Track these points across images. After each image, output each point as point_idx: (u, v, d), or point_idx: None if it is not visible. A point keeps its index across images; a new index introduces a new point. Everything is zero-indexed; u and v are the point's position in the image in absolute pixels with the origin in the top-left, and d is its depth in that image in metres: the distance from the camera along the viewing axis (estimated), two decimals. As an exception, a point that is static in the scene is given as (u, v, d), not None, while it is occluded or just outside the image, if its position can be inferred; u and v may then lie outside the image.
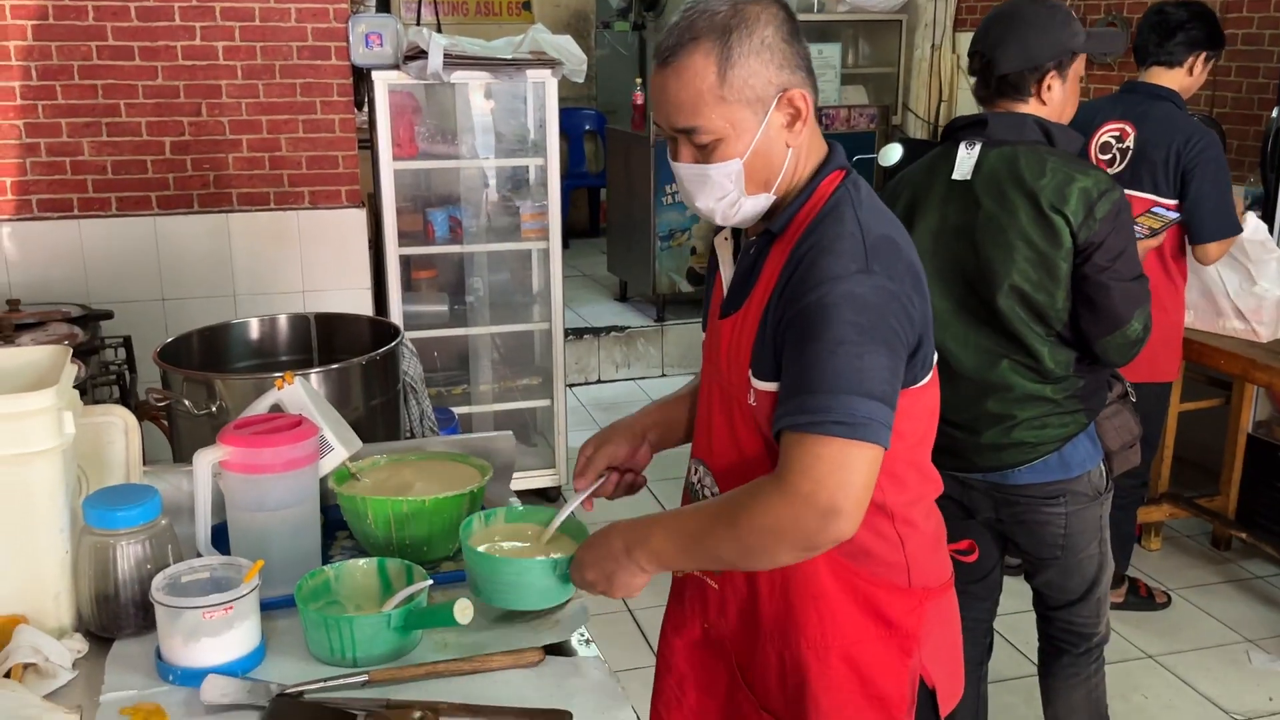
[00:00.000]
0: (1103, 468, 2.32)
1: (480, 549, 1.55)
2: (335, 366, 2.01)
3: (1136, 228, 2.56)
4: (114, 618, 1.53)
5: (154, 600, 1.44)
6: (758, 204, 1.48)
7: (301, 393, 1.77)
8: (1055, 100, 2.29)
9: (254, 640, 1.47)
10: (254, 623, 1.48)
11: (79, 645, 1.50)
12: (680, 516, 1.46)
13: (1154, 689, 3.16)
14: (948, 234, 2.29)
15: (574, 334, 5.76)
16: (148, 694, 1.41)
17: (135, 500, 1.54)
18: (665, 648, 1.75)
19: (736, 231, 1.60)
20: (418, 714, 1.33)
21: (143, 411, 2.31)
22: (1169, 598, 3.59)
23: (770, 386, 1.44)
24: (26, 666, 1.41)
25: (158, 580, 1.46)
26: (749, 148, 1.44)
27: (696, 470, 1.63)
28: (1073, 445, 2.26)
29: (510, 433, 1.98)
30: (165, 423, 2.37)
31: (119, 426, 1.82)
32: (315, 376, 1.93)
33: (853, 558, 1.51)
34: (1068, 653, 2.49)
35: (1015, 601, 2.89)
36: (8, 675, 1.39)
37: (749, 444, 1.51)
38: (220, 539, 1.68)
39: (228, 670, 1.42)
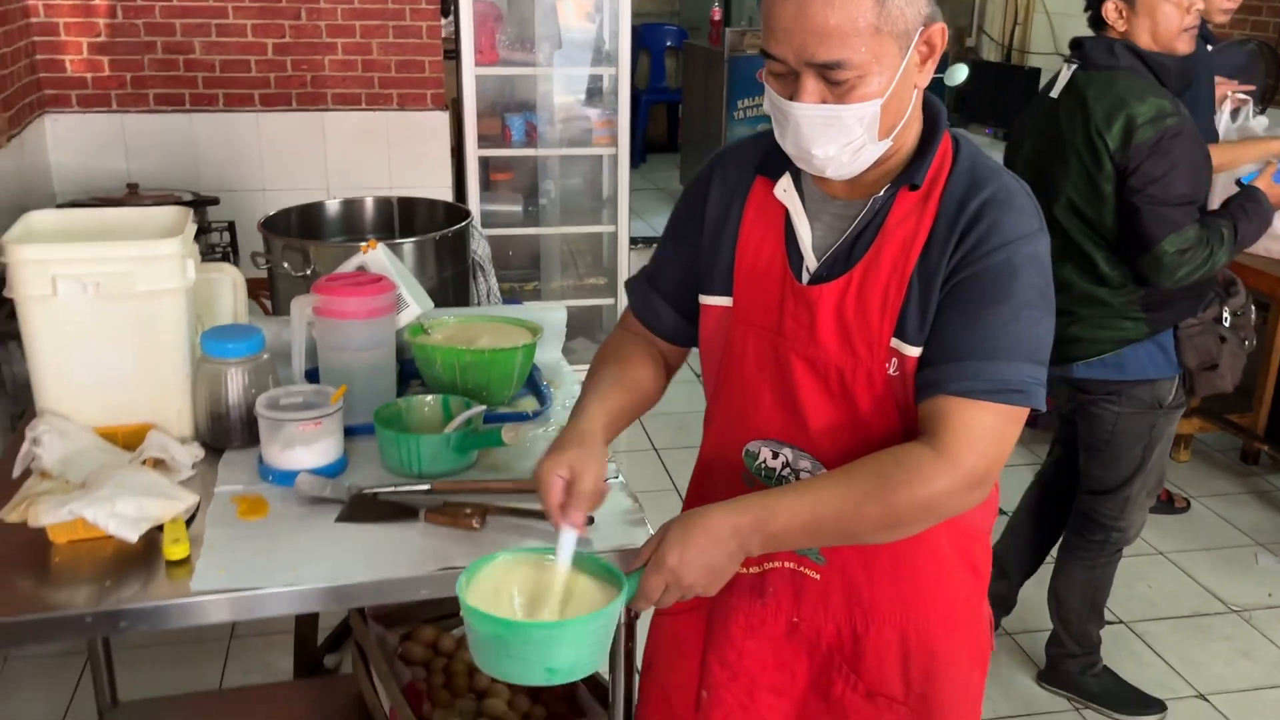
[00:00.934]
0: (1176, 382, 2.49)
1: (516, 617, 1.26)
2: (413, 240, 2.30)
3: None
4: (224, 432, 1.85)
5: (259, 415, 1.75)
6: (877, 152, 1.31)
7: (383, 257, 2.06)
8: (1133, 27, 2.39)
9: (338, 452, 1.79)
10: (338, 438, 1.79)
11: (197, 452, 1.82)
12: (808, 494, 1.29)
13: (1158, 581, 3.38)
14: (1037, 143, 2.50)
15: (640, 241, 6.01)
16: (252, 489, 1.73)
17: (243, 336, 1.86)
18: (728, 653, 1.53)
19: (796, 182, 1.41)
20: (469, 510, 1.63)
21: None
22: (1188, 504, 3.78)
23: (917, 351, 1.31)
24: (157, 462, 1.74)
25: (261, 399, 1.77)
26: (889, 88, 1.26)
27: (779, 455, 1.44)
28: (1132, 350, 2.46)
29: (563, 304, 2.25)
30: (267, 296, 2.69)
31: (228, 282, 2.15)
32: (395, 245, 2.22)
33: (964, 515, 1.38)
34: (1084, 536, 2.72)
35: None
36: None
37: (878, 421, 1.36)
38: (312, 380, 1.99)
39: (316, 473, 1.73)
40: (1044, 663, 2.90)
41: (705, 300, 1.49)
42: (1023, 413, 1.28)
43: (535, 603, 1.28)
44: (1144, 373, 2.48)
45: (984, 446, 1.26)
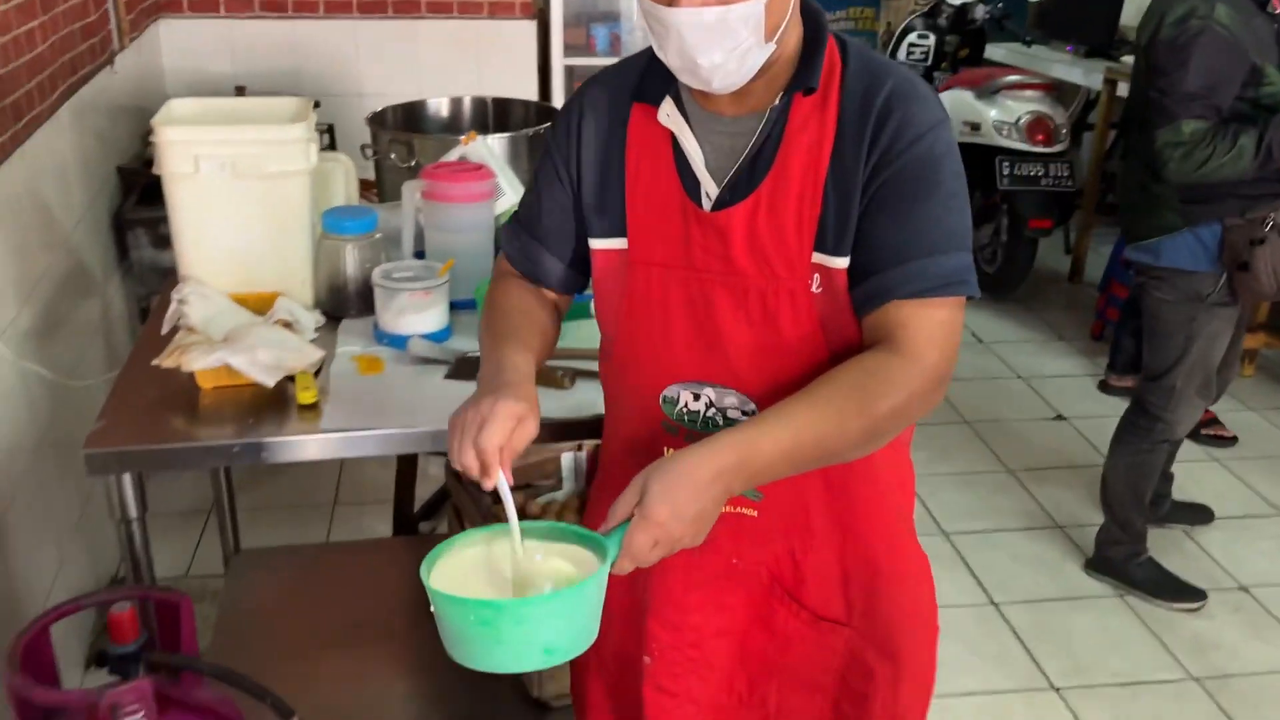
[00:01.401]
0: (1220, 279, 2.62)
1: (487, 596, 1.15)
2: (507, 135, 2.48)
3: None
4: (342, 301, 2.07)
5: (375, 284, 1.96)
6: (763, 56, 1.23)
7: (483, 148, 2.25)
8: None
9: (444, 321, 1.99)
10: (444, 308, 1.99)
11: (318, 318, 2.04)
12: (788, 421, 1.20)
13: (1209, 481, 3.50)
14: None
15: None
16: (368, 350, 1.95)
17: (359, 216, 2.07)
18: (669, 613, 1.46)
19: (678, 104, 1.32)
20: (560, 372, 1.83)
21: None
22: (1235, 438, 3.78)
23: (843, 263, 1.26)
24: (285, 324, 1.96)
25: (377, 271, 1.98)
26: None
27: (701, 395, 1.35)
28: (1170, 240, 2.62)
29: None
30: (371, 191, 2.89)
31: (340, 170, 2.35)
32: (493, 139, 2.40)
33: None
34: (1133, 421, 2.88)
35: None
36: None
37: (803, 344, 1.29)
38: (419, 259, 2.20)
39: (426, 338, 1.94)
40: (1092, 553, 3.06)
41: (596, 245, 1.38)
42: (964, 301, 1.26)
43: (506, 583, 1.17)
44: (1178, 262, 2.63)
45: (944, 343, 1.24)
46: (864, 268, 1.25)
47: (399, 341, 1.94)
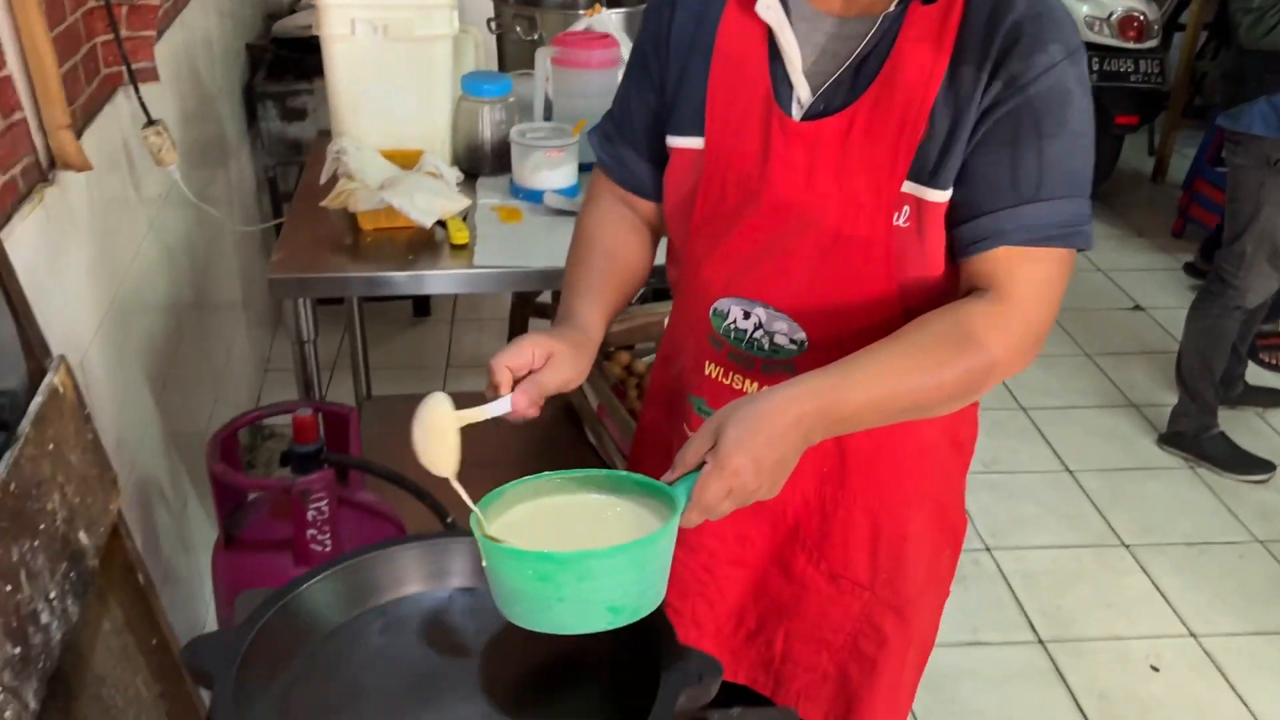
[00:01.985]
0: None
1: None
2: (625, 10, 2.63)
3: None
4: (479, 160, 2.25)
5: (513, 142, 2.13)
6: None
7: (608, 19, 2.40)
8: None
9: (574, 178, 2.17)
10: (575, 166, 2.16)
11: (459, 174, 2.23)
12: (879, 368, 1.09)
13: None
14: None
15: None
16: (506, 203, 2.14)
17: (496, 81, 2.24)
18: (685, 533, 1.24)
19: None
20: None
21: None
22: None
23: (943, 196, 1.13)
24: (433, 176, 2.15)
25: (514, 130, 2.15)
26: None
27: (751, 315, 1.26)
28: (1249, 106, 2.77)
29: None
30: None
31: (470, 41, 2.51)
32: (612, 13, 2.55)
33: None
34: (1207, 289, 3.06)
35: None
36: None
37: (872, 281, 1.18)
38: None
39: (558, 192, 2.12)
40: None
41: (673, 142, 1.28)
42: (1075, 255, 1.14)
43: (566, 535, 1.00)
44: (1253, 128, 2.78)
45: (1051, 298, 1.12)
46: (971, 205, 1.12)
47: (534, 195, 2.12)
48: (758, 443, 1.01)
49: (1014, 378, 3.49)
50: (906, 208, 1.13)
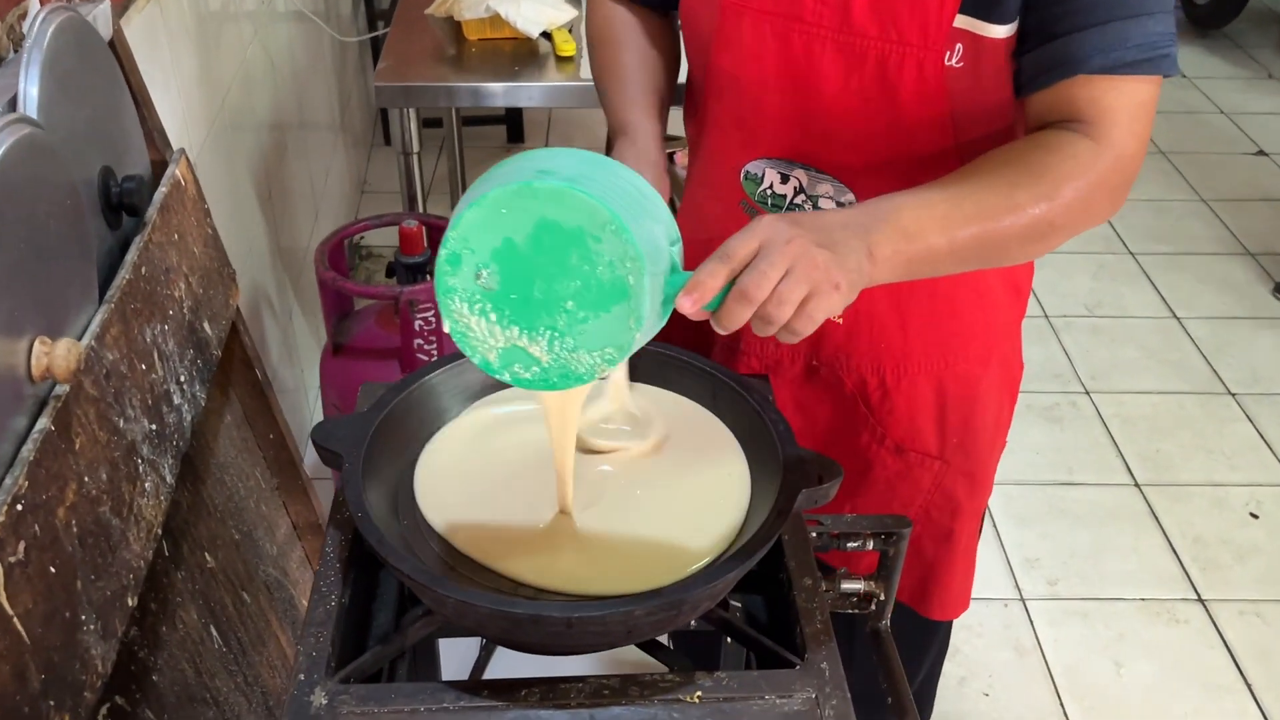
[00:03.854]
0: None
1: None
2: None
3: None
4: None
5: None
6: None
7: None
8: None
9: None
10: None
11: None
12: (939, 184, 0.95)
13: None
14: None
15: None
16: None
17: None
18: None
19: None
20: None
21: None
22: None
23: (1005, 32, 0.99)
24: (536, -12, 2.08)
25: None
26: None
27: (790, 178, 1.14)
28: None
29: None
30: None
31: None
32: None
33: None
34: None
35: None
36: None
37: (924, 131, 1.05)
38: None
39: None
40: (1281, 279, 3.09)
41: None
42: (1161, 81, 0.99)
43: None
44: None
45: (1141, 128, 0.98)
46: (1040, 30, 0.98)
47: (641, 8, 2.05)
48: (800, 216, 0.87)
49: (1123, 220, 3.44)
50: (960, 46, 0.99)
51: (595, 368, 0.77)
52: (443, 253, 0.77)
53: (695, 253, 0.89)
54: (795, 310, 0.81)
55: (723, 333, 0.82)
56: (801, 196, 1.14)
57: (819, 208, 1.12)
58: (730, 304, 0.80)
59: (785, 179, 1.13)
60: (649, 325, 0.77)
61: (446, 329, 0.79)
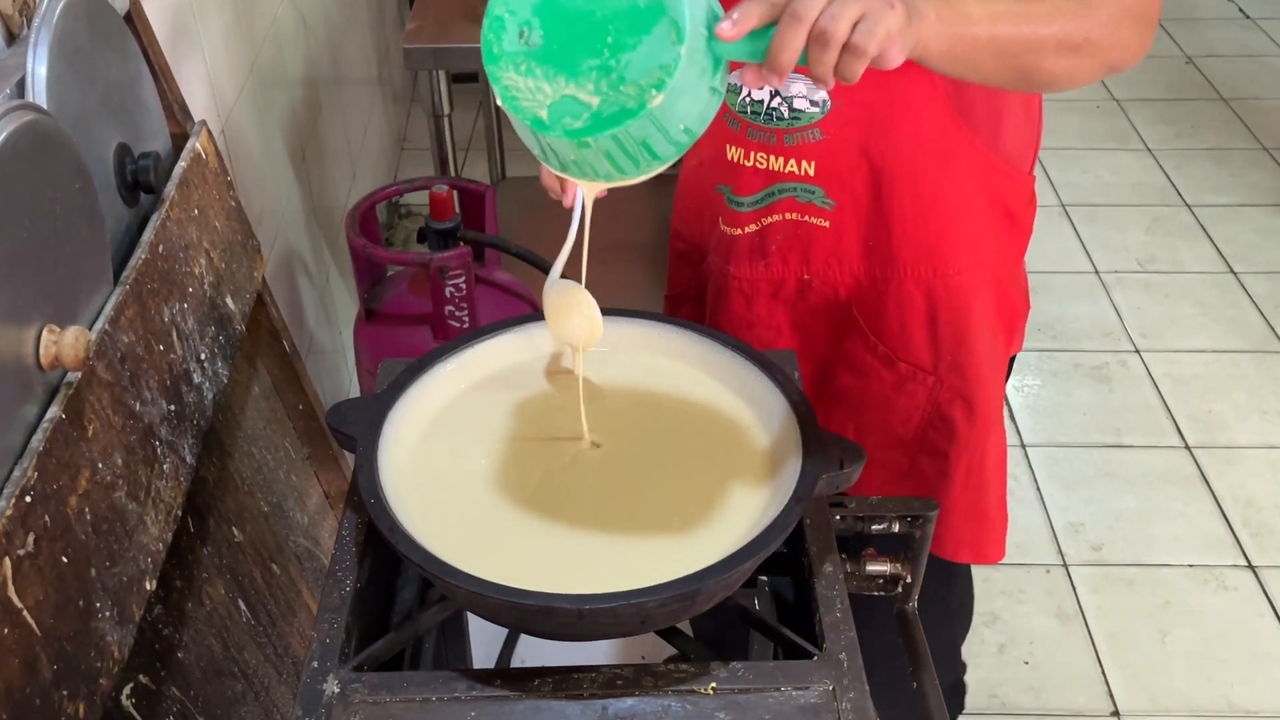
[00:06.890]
0: None
1: None
2: None
3: None
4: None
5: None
6: None
7: None
8: None
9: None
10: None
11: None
12: None
13: None
14: None
15: None
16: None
17: None
18: (733, 322, 1.32)
19: None
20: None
21: None
22: None
23: None
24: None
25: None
26: None
27: (785, 91, 1.14)
28: None
29: None
30: None
31: None
32: None
33: (993, 143, 1.19)
34: None
35: None
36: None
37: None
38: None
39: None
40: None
41: None
42: None
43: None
44: None
45: None
46: None
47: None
48: None
49: (1180, 171, 3.33)
50: None
51: (646, 96, 0.77)
52: (486, 21, 0.80)
53: (689, 164, 1.05)
54: (852, 28, 0.77)
55: (777, 75, 0.79)
56: (778, 99, 1.14)
57: (795, 108, 1.14)
58: (783, 29, 0.77)
59: (774, 97, 1.15)
60: (691, 49, 0.76)
61: (497, 99, 0.82)
